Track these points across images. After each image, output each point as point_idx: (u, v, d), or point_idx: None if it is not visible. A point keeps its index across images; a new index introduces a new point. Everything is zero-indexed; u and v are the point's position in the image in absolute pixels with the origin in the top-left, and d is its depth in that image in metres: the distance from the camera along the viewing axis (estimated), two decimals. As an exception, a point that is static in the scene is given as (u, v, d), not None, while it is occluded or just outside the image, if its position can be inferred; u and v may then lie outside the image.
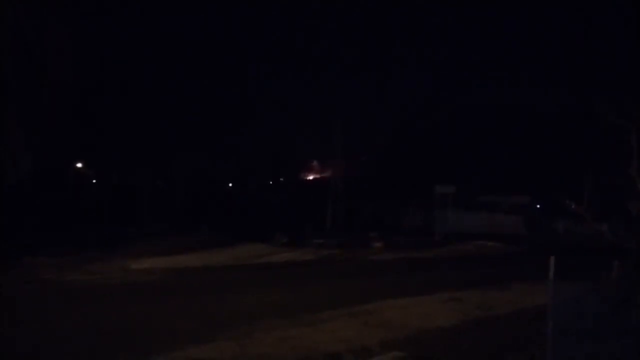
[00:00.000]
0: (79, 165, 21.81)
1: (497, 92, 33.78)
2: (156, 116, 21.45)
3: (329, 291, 8.94)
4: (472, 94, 34.52)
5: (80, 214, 17.43)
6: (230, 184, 30.90)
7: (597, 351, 4.30)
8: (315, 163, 35.63)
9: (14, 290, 8.21)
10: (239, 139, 27.75)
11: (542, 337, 4.87)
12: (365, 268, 12.77)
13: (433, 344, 5.91)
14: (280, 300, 7.95)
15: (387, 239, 17.24)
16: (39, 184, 17.36)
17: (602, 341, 4.32)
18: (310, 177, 37.03)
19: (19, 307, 7.10)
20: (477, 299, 8.50)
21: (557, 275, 4.76)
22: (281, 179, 35.87)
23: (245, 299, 7.91)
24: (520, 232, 21.67)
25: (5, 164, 13.14)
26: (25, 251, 11.29)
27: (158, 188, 21.49)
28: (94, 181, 23.13)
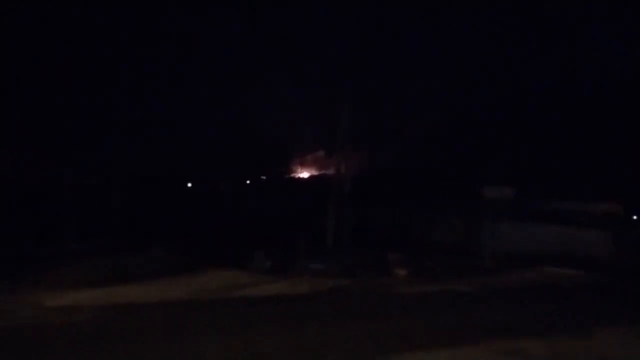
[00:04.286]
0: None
1: (568, 60, 33.76)
2: (82, 93, 21.49)
3: (331, 340, 8.77)
4: (531, 64, 34.56)
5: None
6: (190, 184, 30.84)
7: None
8: (315, 155, 35.53)
9: None
10: (203, 122, 27.77)
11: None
12: (384, 305, 12.56)
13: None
14: (261, 354, 7.80)
15: (413, 262, 17.09)
16: None
17: None
18: (305, 175, 36.85)
19: None
20: (545, 352, 8.39)
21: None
22: (263, 177, 35.71)
23: (210, 354, 7.77)
24: (607, 254, 21.43)
25: None
26: None
27: (88, 189, 21.42)
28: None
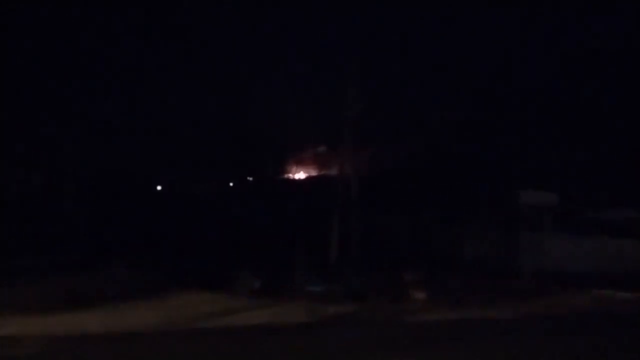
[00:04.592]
0: None
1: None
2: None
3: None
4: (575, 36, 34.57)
5: None
6: (160, 187, 30.86)
7: None
8: (315, 151, 35.54)
9: None
10: (175, 112, 27.81)
11: None
12: (398, 337, 12.47)
13: None
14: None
15: (435, 283, 17.14)
16: None
17: None
18: (302, 176, 36.88)
19: None
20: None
21: None
22: (250, 178, 35.71)
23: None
24: None
25: None
26: None
27: (33, 191, 21.39)
28: None
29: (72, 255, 18.72)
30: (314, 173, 36.35)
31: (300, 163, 36.82)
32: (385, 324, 13.55)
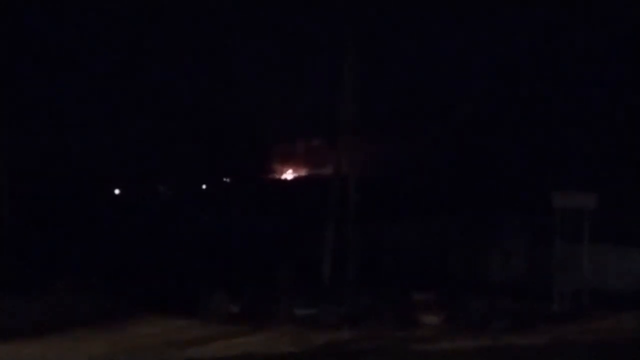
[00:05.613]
0: None
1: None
2: None
3: None
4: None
5: None
6: (118, 190, 30.80)
7: None
8: (306, 146, 35.50)
9: None
10: (133, 97, 27.70)
11: None
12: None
13: None
14: None
15: (451, 304, 17.29)
16: None
17: None
18: (290, 176, 36.89)
19: None
20: None
21: None
22: (227, 180, 35.67)
23: None
24: None
25: None
26: None
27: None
28: None
29: (6, 274, 18.38)
30: (304, 172, 36.29)
31: (288, 160, 36.75)
32: (389, 354, 13.59)
